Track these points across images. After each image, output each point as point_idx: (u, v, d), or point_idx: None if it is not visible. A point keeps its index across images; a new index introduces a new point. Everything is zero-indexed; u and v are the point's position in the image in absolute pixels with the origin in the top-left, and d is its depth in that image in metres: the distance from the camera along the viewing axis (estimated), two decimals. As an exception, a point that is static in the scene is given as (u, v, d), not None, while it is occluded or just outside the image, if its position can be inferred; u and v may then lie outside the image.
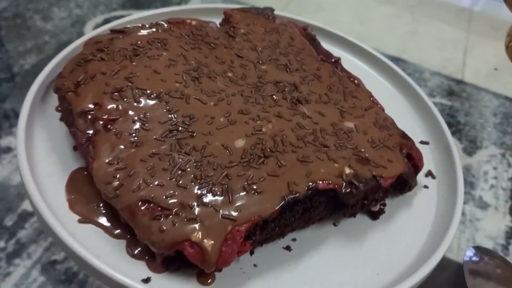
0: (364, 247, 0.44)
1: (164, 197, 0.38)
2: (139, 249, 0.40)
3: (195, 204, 0.38)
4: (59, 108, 0.49)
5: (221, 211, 0.37)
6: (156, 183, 0.39)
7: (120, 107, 0.44)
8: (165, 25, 0.54)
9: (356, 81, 0.54)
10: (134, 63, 0.48)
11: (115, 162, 0.40)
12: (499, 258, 0.52)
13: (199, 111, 0.45)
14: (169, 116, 0.44)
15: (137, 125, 0.43)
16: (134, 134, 0.42)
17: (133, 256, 0.39)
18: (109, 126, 0.43)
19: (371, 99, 0.52)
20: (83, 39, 0.54)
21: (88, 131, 0.43)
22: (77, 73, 0.47)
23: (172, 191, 0.38)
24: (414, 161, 0.47)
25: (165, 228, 0.37)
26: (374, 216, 0.47)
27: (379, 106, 0.52)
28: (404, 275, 0.42)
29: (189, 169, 0.40)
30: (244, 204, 0.38)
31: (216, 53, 0.52)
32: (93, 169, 0.41)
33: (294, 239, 0.44)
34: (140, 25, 0.53)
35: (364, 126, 0.48)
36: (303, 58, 0.55)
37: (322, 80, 0.52)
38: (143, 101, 0.45)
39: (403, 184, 0.47)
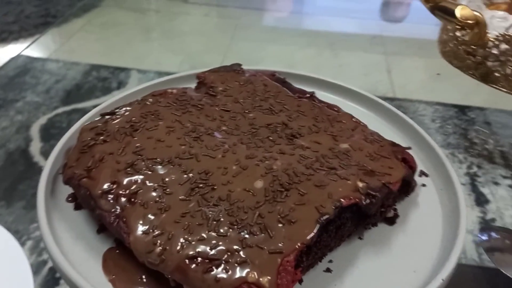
0: (393, 250, 0.47)
1: (209, 249, 0.40)
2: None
3: (240, 247, 0.40)
4: (70, 199, 0.50)
5: (266, 247, 0.40)
6: (197, 238, 0.41)
7: (138, 179, 0.46)
8: (150, 99, 0.57)
9: (335, 108, 0.59)
10: (135, 138, 0.50)
11: (151, 230, 0.42)
12: (507, 231, 0.57)
13: (211, 165, 0.47)
14: (186, 176, 0.46)
15: (159, 192, 0.45)
16: (159, 201, 0.44)
17: (191, 319, 0.40)
18: (132, 199, 0.44)
19: (353, 119, 0.57)
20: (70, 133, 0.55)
21: (113, 209, 0.44)
22: (84, 159, 0.48)
23: (215, 241, 0.40)
24: (409, 164, 0.52)
25: (220, 277, 0.38)
26: (391, 221, 0.50)
27: (362, 124, 0.57)
28: (438, 264, 0.45)
29: (222, 218, 0.42)
30: (284, 236, 0.40)
31: (205, 112, 0.56)
32: (131, 243, 0.42)
33: (330, 261, 0.46)
34: (127, 103, 0.56)
35: (357, 144, 0.52)
36: (282, 100, 0.59)
37: (306, 114, 0.57)
38: (157, 169, 0.47)
39: (407, 186, 0.51)
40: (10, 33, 1.16)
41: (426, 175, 0.56)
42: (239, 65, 0.66)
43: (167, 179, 0.46)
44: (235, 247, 0.40)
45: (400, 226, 0.50)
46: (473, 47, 0.71)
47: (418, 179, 0.55)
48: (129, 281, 0.42)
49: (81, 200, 0.47)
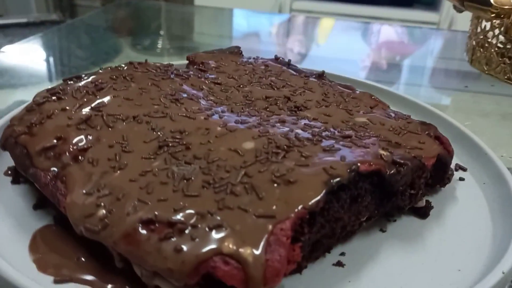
0: (428, 247, 0.35)
1: (172, 210, 0.28)
2: (148, 296, 0.28)
3: (215, 209, 0.28)
4: (9, 172, 0.39)
5: (251, 210, 0.28)
6: (157, 198, 0.29)
7: (90, 136, 0.35)
8: (125, 66, 0.47)
9: (350, 87, 0.49)
10: (98, 97, 0.40)
11: (95, 190, 0.30)
12: None
13: (189, 126, 0.36)
14: (154, 133, 0.35)
15: (116, 150, 0.34)
16: (114, 159, 0.33)
17: (141, 308, 0.28)
18: (80, 157, 0.33)
19: (372, 97, 0.47)
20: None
21: (53, 168, 0.33)
22: (29, 117, 0.38)
23: (181, 203, 0.28)
24: (444, 146, 0.40)
25: (183, 246, 0.26)
26: (424, 213, 0.38)
27: (383, 103, 0.46)
28: (490, 261, 0.33)
29: (194, 177, 0.30)
30: (279, 198, 0.29)
31: (191, 81, 0.46)
32: (67, 205, 0.30)
33: (342, 254, 0.34)
34: (97, 70, 0.46)
35: (377, 119, 0.41)
36: (285, 78, 0.49)
37: (313, 90, 0.46)
38: (118, 126, 0.36)
39: (442, 172, 0.40)
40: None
41: (464, 169, 0.44)
42: (238, 47, 0.57)
43: (128, 136, 0.35)
44: (208, 209, 0.28)
45: (435, 221, 0.38)
46: (508, 46, 0.62)
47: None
48: (59, 263, 0.30)
49: (16, 162, 0.36)
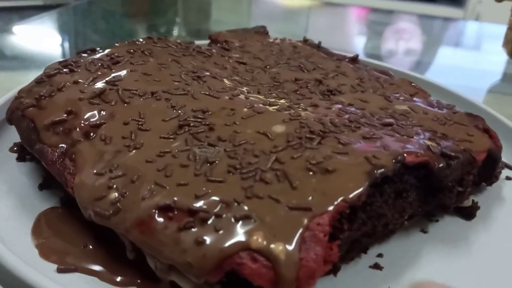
0: (474, 251, 0.31)
1: (193, 197, 0.24)
2: (162, 292, 0.25)
3: (242, 198, 0.24)
4: (15, 148, 0.36)
5: (283, 201, 0.24)
6: (176, 182, 0.26)
7: (104, 112, 0.32)
8: (143, 41, 0.43)
9: (387, 73, 0.45)
10: (113, 70, 0.36)
11: (107, 170, 0.27)
12: None
13: (213, 105, 0.33)
14: (174, 111, 0.32)
15: (132, 127, 0.30)
16: (129, 137, 0.29)
17: (154, 306, 0.24)
18: (92, 134, 0.30)
19: (412, 84, 0.43)
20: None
21: (61, 144, 0.30)
22: (38, 89, 0.35)
23: (203, 188, 0.25)
24: (493, 140, 0.36)
25: (205, 238, 0.23)
26: (469, 214, 0.34)
27: (424, 91, 0.42)
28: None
29: (219, 161, 0.27)
30: (315, 187, 0.25)
31: (214, 60, 0.42)
32: (75, 186, 0.27)
33: (380, 255, 0.30)
34: (114, 44, 0.42)
35: (419, 108, 0.37)
36: (316, 60, 0.45)
37: (347, 75, 0.43)
38: (134, 102, 0.33)
39: (490, 169, 0.36)
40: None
41: (510, 167, 0.40)
42: (263, 27, 0.53)
43: (145, 113, 0.31)
44: (234, 197, 0.24)
45: (482, 222, 0.34)
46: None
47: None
48: (63, 250, 0.27)
49: (22, 137, 0.33)
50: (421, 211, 0.31)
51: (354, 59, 0.47)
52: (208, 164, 0.27)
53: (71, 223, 0.29)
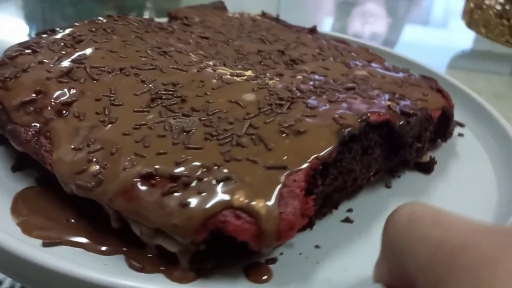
0: (434, 202, 0.34)
1: (174, 163, 0.25)
2: (149, 256, 0.26)
3: (221, 162, 0.26)
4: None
5: (260, 161, 0.26)
6: (156, 152, 0.26)
7: (74, 90, 0.32)
8: (104, 19, 0.43)
9: (345, 42, 0.46)
10: (77, 49, 0.36)
11: (85, 145, 0.27)
12: None
13: (182, 78, 0.34)
14: (145, 86, 0.32)
15: (105, 103, 0.31)
16: (102, 113, 0.30)
17: (142, 270, 0.25)
18: (64, 112, 0.30)
19: (370, 52, 0.45)
20: None
21: (33, 124, 0.30)
22: (1, 71, 0.34)
23: (183, 156, 0.26)
24: (446, 99, 0.39)
25: (189, 200, 0.24)
26: (428, 169, 0.37)
27: (380, 57, 0.44)
28: (500, 214, 0.32)
29: (196, 129, 0.28)
30: (289, 148, 0.27)
31: (177, 35, 0.43)
32: (54, 162, 0.27)
33: (349, 210, 0.32)
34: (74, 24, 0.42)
35: (377, 73, 0.39)
36: (276, 32, 0.47)
37: (307, 44, 0.44)
38: (103, 78, 0.33)
39: (445, 125, 0.38)
40: None
41: (462, 125, 0.43)
42: (221, 2, 0.54)
43: (116, 88, 0.32)
44: (214, 161, 0.26)
45: (440, 176, 0.37)
46: (507, 7, 0.61)
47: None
48: (46, 225, 0.27)
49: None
50: (385, 167, 0.33)
51: (313, 30, 0.48)
52: (185, 133, 0.28)
53: (50, 200, 0.29)
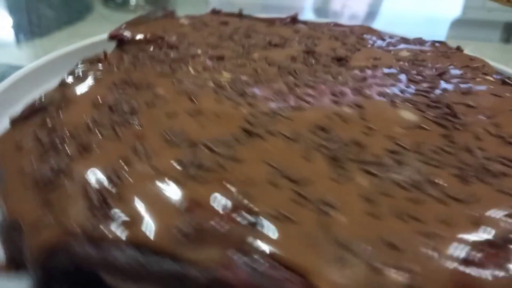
0: None
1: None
2: None
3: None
4: None
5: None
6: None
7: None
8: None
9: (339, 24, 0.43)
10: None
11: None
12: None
13: (323, 118, 0.27)
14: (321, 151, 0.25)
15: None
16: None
17: None
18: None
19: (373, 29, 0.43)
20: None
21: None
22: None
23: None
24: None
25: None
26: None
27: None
28: None
29: (440, 176, 0.23)
30: None
31: (192, 65, 0.33)
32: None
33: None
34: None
35: (417, 50, 0.38)
36: (272, 32, 0.40)
37: (319, 36, 0.40)
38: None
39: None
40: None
41: None
42: (172, 11, 0.43)
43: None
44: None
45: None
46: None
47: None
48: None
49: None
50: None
51: (294, 19, 0.43)
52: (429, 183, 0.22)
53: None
